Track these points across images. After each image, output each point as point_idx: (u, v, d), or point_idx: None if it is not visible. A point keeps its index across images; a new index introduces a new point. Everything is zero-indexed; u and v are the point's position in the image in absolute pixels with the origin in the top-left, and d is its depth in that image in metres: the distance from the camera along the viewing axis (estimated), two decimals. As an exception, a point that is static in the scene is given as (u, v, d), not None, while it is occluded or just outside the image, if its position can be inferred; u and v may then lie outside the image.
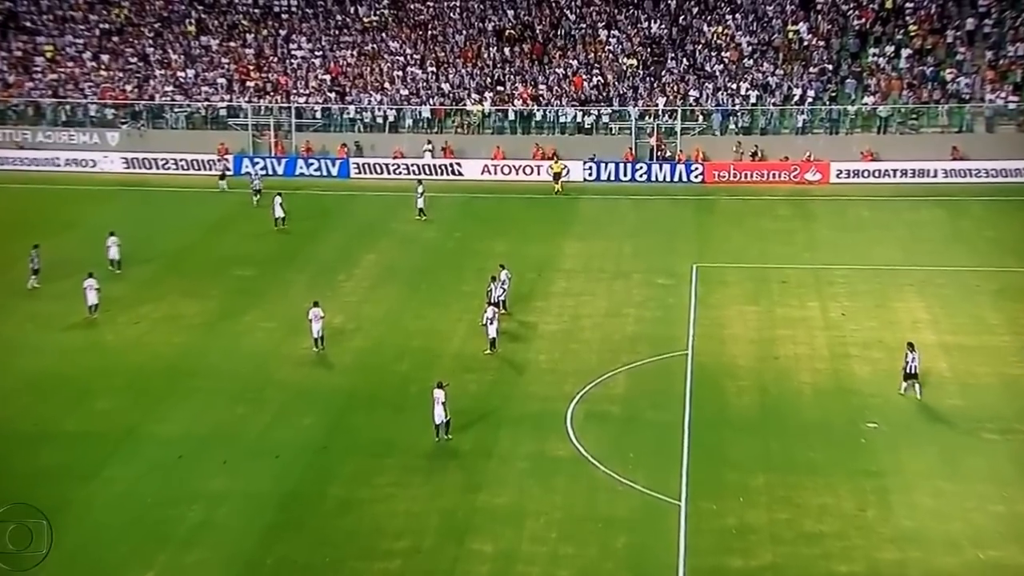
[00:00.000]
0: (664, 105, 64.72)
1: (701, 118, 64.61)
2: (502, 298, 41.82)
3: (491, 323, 39.32)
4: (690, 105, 64.78)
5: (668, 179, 62.31)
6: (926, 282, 45.58)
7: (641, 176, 62.60)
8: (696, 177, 62.12)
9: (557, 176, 61.11)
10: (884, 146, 61.99)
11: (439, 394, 33.44)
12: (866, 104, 63.46)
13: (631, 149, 63.63)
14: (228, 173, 62.98)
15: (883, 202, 57.74)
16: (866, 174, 61.08)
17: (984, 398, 35.97)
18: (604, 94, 66.18)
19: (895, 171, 60.84)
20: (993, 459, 32.37)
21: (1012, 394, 36.20)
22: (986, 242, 50.91)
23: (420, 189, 56.19)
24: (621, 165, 62.82)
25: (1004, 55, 64.07)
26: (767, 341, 40.39)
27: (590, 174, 62.67)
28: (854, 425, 34.27)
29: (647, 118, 64.43)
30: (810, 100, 64.09)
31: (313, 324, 39.69)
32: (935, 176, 60.36)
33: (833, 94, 64.34)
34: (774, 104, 64.26)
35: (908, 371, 35.92)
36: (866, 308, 43.20)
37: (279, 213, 54.43)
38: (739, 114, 64.25)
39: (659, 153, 63.51)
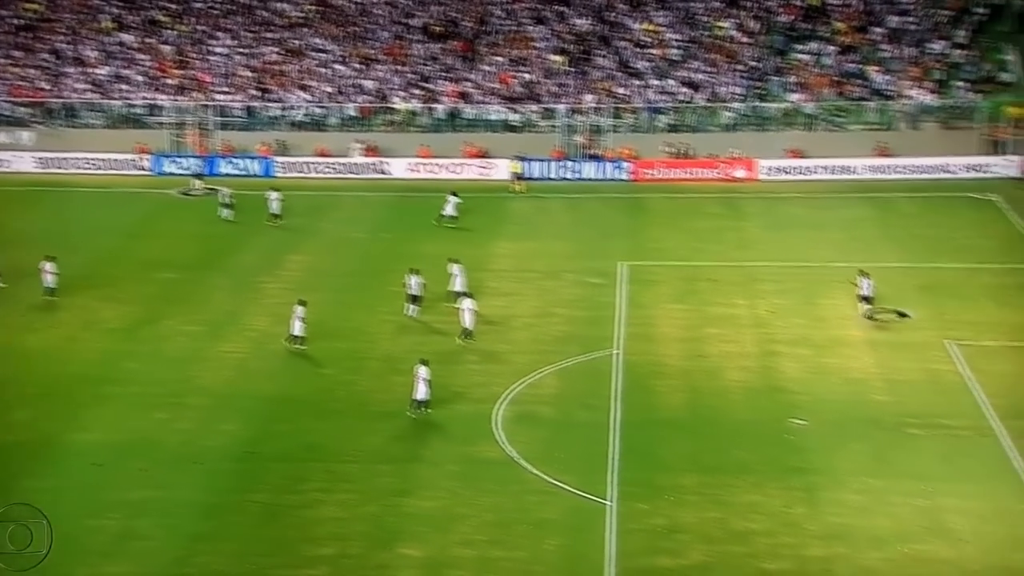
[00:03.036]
0: (592, 102, 64.63)
1: (630, 116, 64.60)
2: (458, 289, 41.89)
3: (467, 312, 39.63)
4: (618, 102, 64.77)
5: (597, 177, 62.28)
6: (853, 279, 45.88)
7: (570, 174, 62.48)
8: (625, 175, 62.14)
9: (518, 176, 60.60)
10: (810, 143, 62.46)
11: (423, 371, 34.11)
12: (792, 101, 63.92)
13: (560, 147, 63.46)
14: (203, 174, 61.45)
15: (811, 199, 58.06)
16: (793, 171, 61.54)
17: (909, 394, 36.32)
18: (533, 92, 65.91)
19: (821, 168, 61.36)
20: (917, 454, 32.73)
21: (935, 389, 36.59)
22: (912, 238, 51.39)
23: (450, 198, 54.12)
24: (550, 163, 62.65)
25: (926, 52, 64.92)
26: (696, 340, 40.46)
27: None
28: (782, 423, 34.41)
29: (576, 116, 64.29)
30: (738, 97, 64.41)
31: (294, 321, 39.48)
32: (860, 173, 61.03)
33: (762, 92, 64.72)
34: (704, 102, 64.43)
35: (863, 294, 40.44)
36: (794, 305, 43.42)
37: (274, 209, 53.60)
38: (667, 112, 64.35)
39: (587, 151, 63.40)
